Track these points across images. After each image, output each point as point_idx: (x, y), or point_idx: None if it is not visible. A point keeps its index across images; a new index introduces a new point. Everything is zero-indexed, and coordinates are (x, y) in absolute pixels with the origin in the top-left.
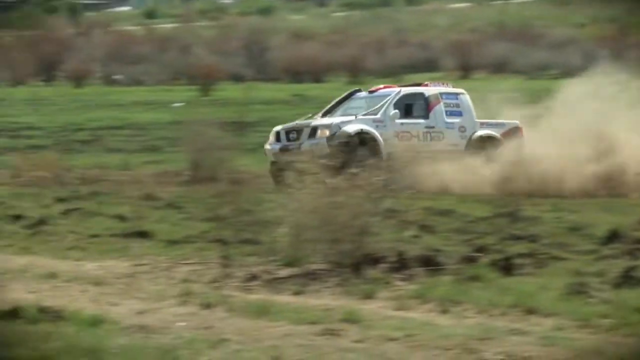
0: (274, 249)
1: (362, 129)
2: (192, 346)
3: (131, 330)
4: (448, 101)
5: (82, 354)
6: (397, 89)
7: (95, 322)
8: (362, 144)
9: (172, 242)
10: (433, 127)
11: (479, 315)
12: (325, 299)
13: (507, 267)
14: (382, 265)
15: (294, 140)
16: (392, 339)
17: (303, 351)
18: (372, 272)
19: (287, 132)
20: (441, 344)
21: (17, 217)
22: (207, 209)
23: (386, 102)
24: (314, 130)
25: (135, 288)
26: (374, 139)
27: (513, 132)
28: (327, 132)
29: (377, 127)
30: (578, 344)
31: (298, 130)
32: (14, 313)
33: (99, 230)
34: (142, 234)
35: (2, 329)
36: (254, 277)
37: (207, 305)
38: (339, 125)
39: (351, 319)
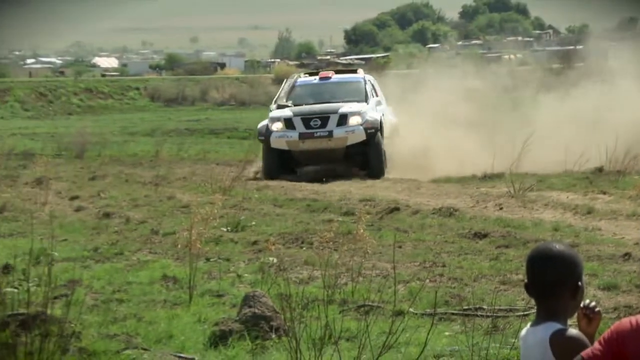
0: None
1: (381, 117)
2: None
3: None
4: (374, 86)
5: None
6: (360, 75)
7: None
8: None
9: None
10: (382, 115)
11: None
12: None
13: None
14: None
15: (317, 127)
16: None
17: None
18: None
19: (306, 119)
20: None
21: None
22: None
23: (366, 89)
24: (343, 117)
25: None
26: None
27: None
28: (360, 119)
29: None
30: None
31: (322, 117)
32: None
33: None
34: None
35: None
36: None
37: None
38: (366, 113)
39: None
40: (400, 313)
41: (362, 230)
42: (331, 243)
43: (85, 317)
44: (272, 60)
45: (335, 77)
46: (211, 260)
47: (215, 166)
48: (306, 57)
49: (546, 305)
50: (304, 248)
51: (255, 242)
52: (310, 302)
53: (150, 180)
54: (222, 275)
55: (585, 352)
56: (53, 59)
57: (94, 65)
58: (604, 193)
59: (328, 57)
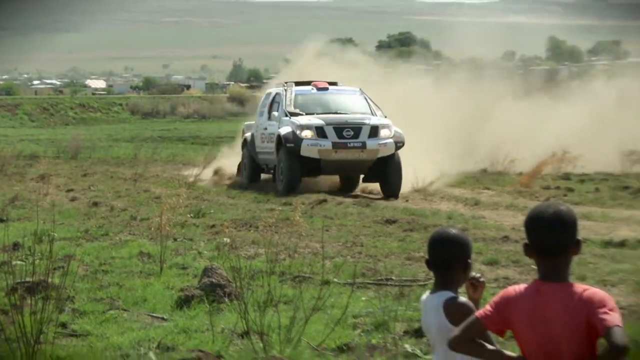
0: None
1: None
2: None
3: None
4: None
5: None
6: (356, 88)
7: None
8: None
9: None
10: None
11: None
12: None
13: None
14: None
15: (350, 137)
16: None
17: None
18: None
19: (338, 128)
20: None
21: (625, 187)
22: None
23: (368, 102)
24: (374, 128)
25: None
26: None
27: None
28: (389, 132)
29: None
30: None
31: (354, 128)
32: (622, 243)
33: None
34: None
35: None
36: None
37: None
38: (392, 126)
39: None
40: (327, 282)
41: (297, 217)
42: (273, 227)
43: (77, 284)
44: (228, 82)
45: (333, 88)
46: (178, 240)
47: (182, 166)
48: (254, 81)
49: (442, 277)
50: (251, 231)
51: (213, 226)
52: (256, 274)
53: (130, 176)
54: (186, 252)
55: (479, 313)
56: (54, 81)
57: (86, 86)
58: (488, 189)
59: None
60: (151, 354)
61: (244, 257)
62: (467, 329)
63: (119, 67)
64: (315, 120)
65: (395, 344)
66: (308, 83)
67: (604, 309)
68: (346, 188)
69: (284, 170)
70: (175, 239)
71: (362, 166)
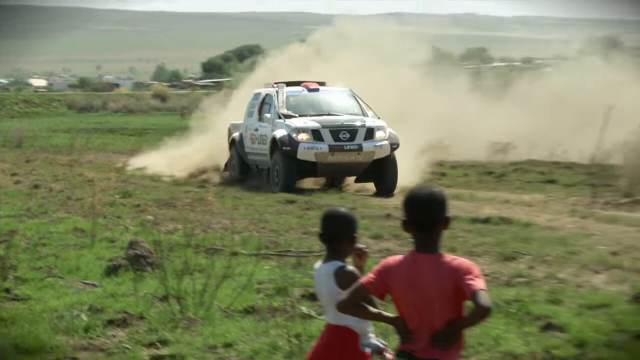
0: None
1: None
2: (573, 237)
3: (543, 228)
4: None
5: (517, 240)
6: (346, 88)
7: (527, 225)
8: None
9: (569, 185)
10: None
11: None
12: None
13: None
14: None
15: (346, 140)
16: None
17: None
18: None
19: (335, 131)
20: None
21: (490, 173)
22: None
23: (359, 103)
24: (370, 131)
25: (547, 208)
26: None
27: None
28: (384, 134)
29: None
30: None
31: (350, 130)
32: (486, 220)
33: (530, 179)
34: (552, 181)
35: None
36: (608, 203)
37: (583, 217)
38: (387, 128)
39: None
40: (235, 254)
41: (210, 198)
42: (189, 206)
43: (20, 255)
44: (152, 82)
45: (323, 89)
46: (107, 217)
47: (112, 154)
48: (175, 81)
49: (332, 249)
50: (171, 209)
51: (138, 205)
52: (174, 246)
53: (67, 162)
54: (114, 228)
55: (363, 279)
56: (1, 80)
57: (30, 84)
58: None
59: (190, 80)
60: (83, 315)
61: (164, 232)
62: (353, 294)
63: (58, 68)
64: (311, 123)
65: (293, 306)
66: (298, 83)
67: (471, 276)
68: (332, 184)
69: (280, 173)
70: (105, 217)
71: (357, 168)
